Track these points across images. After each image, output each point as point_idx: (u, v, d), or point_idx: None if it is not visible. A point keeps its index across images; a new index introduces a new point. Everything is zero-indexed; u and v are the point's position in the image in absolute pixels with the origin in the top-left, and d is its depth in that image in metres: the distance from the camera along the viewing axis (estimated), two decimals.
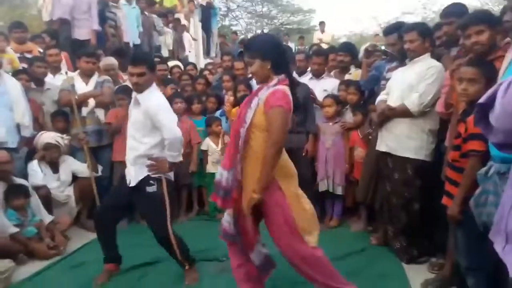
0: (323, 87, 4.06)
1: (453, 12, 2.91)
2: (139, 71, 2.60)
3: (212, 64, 6.71)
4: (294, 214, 2.11)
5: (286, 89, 2.10)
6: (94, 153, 3.91)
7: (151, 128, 2.63)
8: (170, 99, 3.44)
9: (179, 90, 4.54)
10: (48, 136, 3.73)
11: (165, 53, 7.57)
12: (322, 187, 3.77)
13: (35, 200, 3.43)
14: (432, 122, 2.91)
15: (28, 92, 3.89)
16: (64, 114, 4.03)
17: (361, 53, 4.48)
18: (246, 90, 3.91)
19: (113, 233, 2.80)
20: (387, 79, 3.29)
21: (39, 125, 3.91)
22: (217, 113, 4.39)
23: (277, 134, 2.01)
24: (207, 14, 9.97)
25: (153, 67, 2.76)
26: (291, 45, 11.61)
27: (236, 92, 4.08)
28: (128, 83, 4.22)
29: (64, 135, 3.84)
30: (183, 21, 8.50)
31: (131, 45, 6.57)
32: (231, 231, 2.19)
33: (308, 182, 3.74)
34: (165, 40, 7.75)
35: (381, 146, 3.11)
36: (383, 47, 4.44)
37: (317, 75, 4.15)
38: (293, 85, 2.18)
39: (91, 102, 3.93)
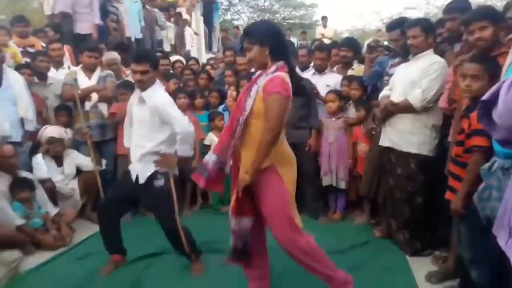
0: (326, 82, 4.05)
1: (456, 8, 2.91)
2: (143, 68, 2.62)
3: (214, 59, 6.70)
4: (289, 200, 2.13)
5: (285, 75, 2.08)
6: (97, 147, 3.93)
7: (160, 124, 2.65)
8: (173, 95, 3.45)
9: (181, 85, 4.54)
10: (52, 130, 3.76)
11: (167, 47, 7.57)
12: (326, 181, 3.79)
13: (40, 193, 3.46)
14: (435, 117, 2.92)
15: (31, 86, 3.90)
16: (67, 109, 4.04)
17: (364, 49, 4.47)
18: None
19: (116, 226, 2.81)
20: (390, 75, 3.29)
21: (42, 120, 3.93)
22: (220, 108, 4.39)
23: (274, 121, 2.01)
24: (209, 9, 9.95)
25: (156, 65, 2.79)
26: (293, 40, 11.58)
27: (238, 87, 4.08)
28: (130, 78, 4.24)
29: (68, 129, 3.86)
30: (185, 16, 8.49)
31: (132, 39, 6.57)
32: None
33: (311, 176, 3.79)
34: (167, 34, 7.75)
35: (384, 141, 3.13)
36: (385, 43, 4.43)
37: (320, 70, 4.14)
38: (293, 72, 2.16)
39: (94, 96, 3.94)
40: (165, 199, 2.66)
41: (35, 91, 3.92)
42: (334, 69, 4.34)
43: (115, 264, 2.86)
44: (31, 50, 4.76)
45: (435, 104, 2.86)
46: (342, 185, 3.77)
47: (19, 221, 3.17)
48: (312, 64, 4.35)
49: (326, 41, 8.25)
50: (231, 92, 4.30)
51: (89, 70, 4.01)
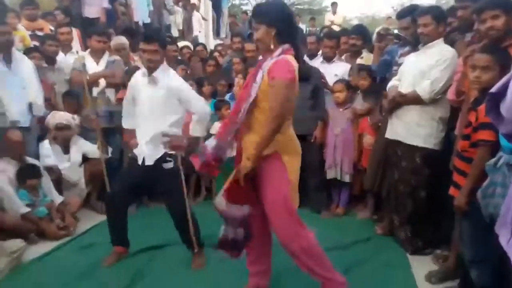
0: (334, 71, 4.00)
1: None
2: (153, 48, 2.63)
3: (222, 45, 6.65)
4: (291, 190, 2.10)
5: (290, 58, 2.00)
6: (104, 135, 3.89)
7: (174, 106, 2.68)
8: None
9: (189, 72, 4.52)
10: (59, 117, 3.74)
11: (175, 32, 7.51)
12: (330, 174, 3.76)
13: (46, 181, 3.46)
14: (443, 109, 2.88)
15: (40, 70, 3.88)
16: (75, 95, 4.03)
17: (374, 37, 4.40)
18: None
19: (123, 216, 2.82)
20: (399, 64, 3.24)
21: (51, 105, 3.92)
22: (227, 97, 4.36)
23: (278, 109, 1.95)
24: None
25: (165, 45, 2.82)
26: (302, 26, 11.43)
27: (246, 75, 4.06)
28: (138, 64, 4.23)
29: (75, 115, 3.86)
30: (193, 0, 8.40)
31: (140, 24, 6.52)
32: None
33: (316, 169, 3.77)
34: (175, 19, 7.68)
35: (390, 134, 3.09)
36: (395, 31, 4.36)
37: (328, 59, 4.10)
38: (299, 57, 2.10)
39: (102, 82, 3.94)
40: (175, 181, 2.67)
41: (43, 77, 3.91)
42: (343, 57, 4.28)
43: (118, 256, 2.87)
44: (39, 33, 4.75)
45: (443, 95, 2.81)
46: (347, 178, 3.73)
47: (24, 209, 3.17)
48: (320, 52, 4.31)
49: (335, 28, 8.14)
50: (238, 80, 4.28)
51: (97, 55, 3.99)
